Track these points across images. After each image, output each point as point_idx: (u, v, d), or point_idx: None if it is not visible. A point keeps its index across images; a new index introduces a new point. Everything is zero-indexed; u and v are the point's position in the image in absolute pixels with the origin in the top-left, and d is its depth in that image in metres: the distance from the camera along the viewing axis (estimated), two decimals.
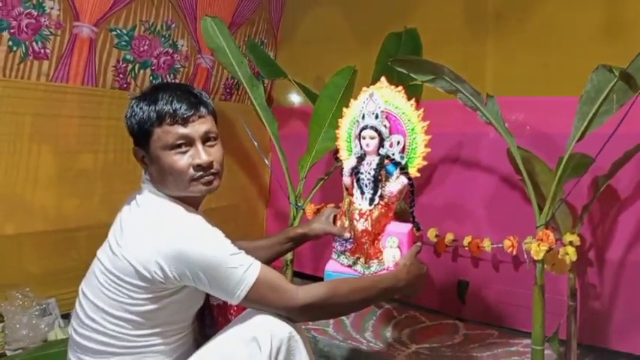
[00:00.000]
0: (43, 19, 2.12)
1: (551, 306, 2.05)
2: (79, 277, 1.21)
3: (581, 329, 2.15)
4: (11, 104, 2.07)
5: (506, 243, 1.93)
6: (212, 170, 1.15)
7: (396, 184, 1.36)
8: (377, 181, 1.36)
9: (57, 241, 2.23)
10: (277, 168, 2.50)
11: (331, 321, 2.33)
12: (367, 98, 1.40)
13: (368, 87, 1.47)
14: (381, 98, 1.39)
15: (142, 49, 2.48)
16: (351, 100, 1.51)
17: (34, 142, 2.15)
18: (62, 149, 2.24)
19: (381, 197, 1.36)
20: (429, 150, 1.40)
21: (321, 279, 1.32)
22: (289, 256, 2.27)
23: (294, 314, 1.12)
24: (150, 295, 1.07)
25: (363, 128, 1.39)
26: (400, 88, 1.43)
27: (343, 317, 2.39)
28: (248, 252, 1.13)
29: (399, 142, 1.38)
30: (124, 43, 2.41)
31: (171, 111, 1.10)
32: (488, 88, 2.38)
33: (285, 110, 3.08)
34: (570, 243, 1.92)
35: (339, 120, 1.52)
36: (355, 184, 1.40)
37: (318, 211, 1.68)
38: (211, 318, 1.25)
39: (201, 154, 1.13)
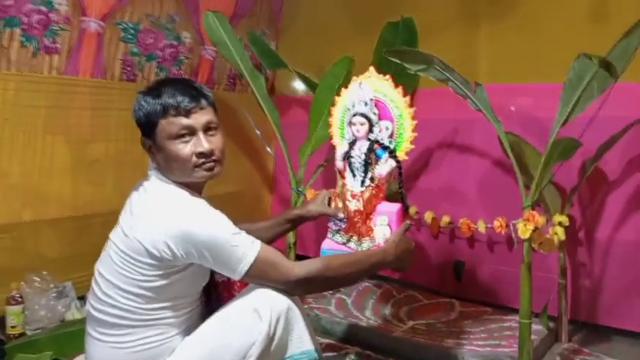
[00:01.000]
0: (53, 15, 2.22)
1: (543, 284, 2.16)
2: (94, 261, 1.32)
3: (573, 306, 2.25)
4: (26, 97, 2.17)
5: (496, 223, 2.03)
6: (213, 157, 1.26)
7: (385, 166, 1.45)
8: (367, 165, 1.46)
9: (72, 227, 2.35)
10: (280, 155, 2.60)
11: (333, 300, 2.45)
12: (357, 87, 1.50)
13: (358, 76, 1.56)
14: (370, 87, 1.48)
15: (147, 42, 2.58)
16: (343, 89, 1.60)
17: (49, 133, 2.26)
18: (75, 139, 2.35)
19: (372, 179, 1.46)
20: (415, 134, 1.48)
21: None
22: (292, 239, 2.39)
23: (292, 287, 1.23)
24: (160, 272, 1.18)
25: (354, 115, 1.48)
26: (388, 76, 1.51)
27: (345, 297, 2.51)
28: (249, 232, 1.24)
29: (387, 128, 1.47)
30: (130, 36, 2.50)
31: (174, 103, 1.21)
32: (482, 74, 2.48)
33: (287, 99, 3.17)
34: (559, 223, 2.01)
35: (332, 108, 1.61)
36: (347, 167, 1.50)
37: (320, 192, 1.78)
38: (217, 293, 1.37)
39: (203, 143, 1.23)
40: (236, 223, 1.24)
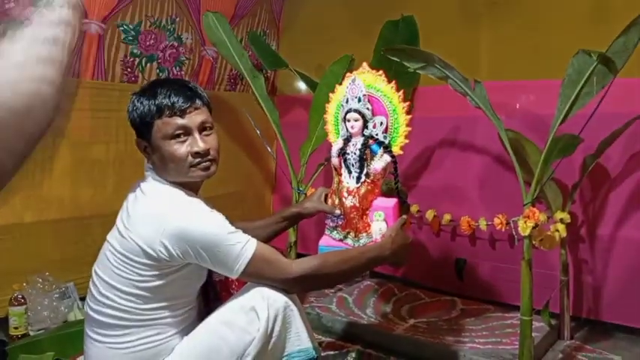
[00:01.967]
0: None
1: (545, 281, 2.16)
2: (95, 262, 1.33)
3: (575, 303, 2.24)
4: None
5: (496, 221, 2.02)
6: (209, 157, 1.26)
7: (380, 162, 1.45)
8: (362, 160, 1.46)
9: (73, 228, 2.36)
10: (281, 155, 2.60)
11: (334, 298, 2.45)
12: (350, 83, 1.50)
13: (352, 72, 1.56)
14: (363, 82, 1.48)
15: (148, 43, 2.58)
16: (337, 85, 1.60)
17: (49, 134, 2.27)
18: (76, 141, 2.36)
19: (367, 175, 1.46)
20: (410, 129, 1.48)
21: None
22: (292, 237, 2.39)
23: (289, 285, 1.23)
24: (156, 272, 1.18)
25: (348, 111, 1.48)
26: (381, 72, 1.51)
27: (346, 295, 2.50)
28: (247, 231, 1.24)
29: (381, 123, 1.47)
30: (130, 38, 2.51)
31: (169, 104, 1.21)
32: (483, 71, 2.47)
33: (288, 98, 3.17)
34: (561, 220, 2.01)
35: (327, 105, 1.61)
36: (343, 164, 1.50)
37: (316, 189, 1.78)
38: (215, 293, 1.37)
39: (199, 143, 1.23)
40: (232, 222, 1.24)
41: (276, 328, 1.21)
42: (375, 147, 1.47)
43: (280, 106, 2.83)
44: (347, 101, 1.49)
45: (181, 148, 1.23)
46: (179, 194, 1.24)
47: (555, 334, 2.14)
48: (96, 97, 2.42)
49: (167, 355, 1.23)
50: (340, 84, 1.60)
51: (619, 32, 1.54)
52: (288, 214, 1.61)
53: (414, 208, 2.56)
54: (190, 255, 1.17)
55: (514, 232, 1.78)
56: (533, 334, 1.85)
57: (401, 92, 1.48)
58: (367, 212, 1.45)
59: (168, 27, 2.65)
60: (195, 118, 1.24)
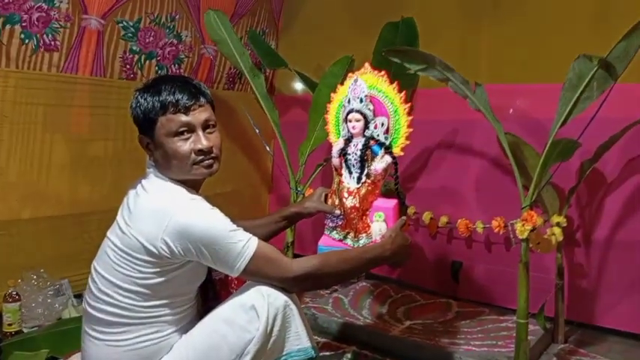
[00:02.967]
0: (53, 13, 2.22)
1: (540, 284, 2.16)
2: (91, 259, 1.31)
3: (570, 306, 2.25)
4: (25, 95, 2.17)
5: (494, 223, 2.04)
6: (212, 155, 1.26)
7: (381, 162, 1.45)
8: (363, 161, 1.46)
9: (70, 225, 2.35)
10: (279, 154, 2.60)
11: (330, 299, 2.45)
12: (352, 83, 1.50)
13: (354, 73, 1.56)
14: (365, 83, 1.48)
15: (147, 40, 2.58)
16: (339, 85, 1.60)
17: (47, 131, 2.26)
18: (74, 138, 2.35)
19: (368, 176, 1.46)
20: (411, 130, 1.47)
21: None
22: (290, 238, 2.39)
23: (289, 284, 1.23)
24: (157, 269, 1.18)
25: (349, 112, 1.49)
26: (383, 72, 1.51)
27: (342, 297, 2.51)
28: (247, 230, 1.24)
29: (383, 124, 1.47)
30: (130, 34, 2.50)
31: (174, 101, 1.21)
32: (484, 74, 2.48)
33: (286, 98, 3.17)
34: (557, 224, 2.02)
35: (328, 105, 1.61)
36: (343, 164, 1.50)
37: (316, 189, 1.77)
38: (214, 291, 1.36)
39: (202, 140, 1.23)
40: (234, 220, 1.24)
41: (276, 327, 1.20)
42: (376, 148, 1.47)
43: (279, 106, 2.82)
44: (349, 101, 1.50)
45: (185, 146, 1.22)
46: (181, 191, 1.23)
47: (549, 337, 2.15)
48: (94, 94, 2.42)
49: (166, 353, 1.22)
50: (341, 84, 1.60)
51: (620, 37, 1.55)
52: (288, 214, 1.60)
53: (410, 210, 2.56)
54: (192, 252, 1.17)
55: (512, 235, 1.78)
56: (530, 338, 1.86)
57: (403, 93, 1.48)
58: (367, 213, 1.45)
59: (168, 24, 2.64)
60: (199, 115, 1.24)
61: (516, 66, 2.41)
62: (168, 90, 1.22)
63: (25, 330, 2.07)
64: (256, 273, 1.21)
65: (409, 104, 1.48)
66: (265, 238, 1.46)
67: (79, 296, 2.28)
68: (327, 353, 2.00)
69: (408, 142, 1.47)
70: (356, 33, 2.90)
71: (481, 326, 2.19)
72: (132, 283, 1.19)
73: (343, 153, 1.50)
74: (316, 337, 2.10)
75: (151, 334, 1.21)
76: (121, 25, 2.45)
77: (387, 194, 1.50)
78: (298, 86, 3.16)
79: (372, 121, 1.48)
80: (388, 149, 1.46)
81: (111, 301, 1.20)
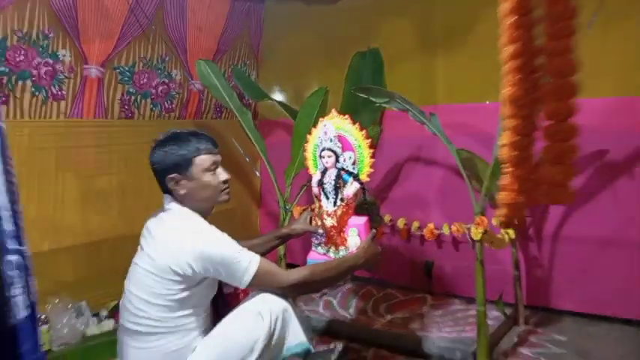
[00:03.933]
0: (58, 66, 2.50)
1: (500, 276, 2.51)
2: (104, 281, 1.62)
3: (529, 293, 2.60)
4: (38, 141, 2.46)
5: (453, 228, 2.38)
6: (228, 184, 1.66)
7: (351, 188, 1.80)
8: (337, 188, 1.81)
9: (84, 253, 2.63)
10: (266, 176, 2.91)
11: (321, 302, 2.77)
12: (323, 127, 1.84)
13: (324, 117, 1.89)
14: (333, 126, 1.82)
15: (142, 81, 2.87)
16: (313, 128, 1.93)
17: (60, 170, 2.54)
18: (83, 174, 2.63)
19: (342, 200, 1.80)
20: (373, 160, 1.80)
21: None
22: (282, 251, 2.71)
23: (286, 291, 1.56)
24: (182, 286, 1.49)
25: (322, 150, 1.84)
26: (347, 116, 1.84)
27: (331, 299, 2.83)
28: (249, 249, 1.56)
29: (350, 157, 1.81)
30: (126, 78, 2.80)
31: (206, 146, 1.60)
32: (440, 95, 2.83)
33: (270, 122, 3.49)
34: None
35: (305, 145, 1.94)
36: (322, 192, 1.84)
37: (302, 213, 2.10)
38: (223, 301, 1.68)
39: (224, 174, 1.65)
40: (238, 242, 1.56)
41: (277, 327, 1.52)
42: (346, 177, 1.81)
43: (263, 130, 3.14)
44: (321, 142, 1.84)
45: (215, 178, 1.61)
46: (199, 220, 1.56)
47: (512, 321, 2.50)
48: (98, 134, 2.70)
49: (190, 353, 1.53)
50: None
51: None
52: (280, 234, 1.94)
53: (386, 218, 2.90)
54: (209, 271, 1.49)
55: (469, 237, 2.12)
56: (492, 323, 2.21)
57: (364, 131, 1.82)
58: (344, 230, 1.79)
59: (159, 66, 2.94)
60: (218, 156, 1.65)
61: (467, 88, 2.75)
62: (197, 139, 1.60)
63: (54, 349, 2.34)
64: (259, 284, 1.53)
65: (370, 139, 1.82)
66: (262, 254, 1.78)
67: (96, 315, 2.56)
68: (320, 347, 2.32)
69: (372, 170, 1.80)
70: (328, 62, 3.23)
71: (452, 315, 2.53)
72: (162, 299, 1.49)
73: (320, 183, 1.84)
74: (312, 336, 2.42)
75: (179, 339, 1.52)
76: (117, 70, 2.74)
77: (361, 212, 1.83)
78: (279, 112, 3.47)
79: (342, 156, 1.81)
80: (356, 177, 1.80)
81: (146, 315, 1.50)
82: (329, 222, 1.80)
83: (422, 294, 2.86)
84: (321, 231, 1.82)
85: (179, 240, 1.49)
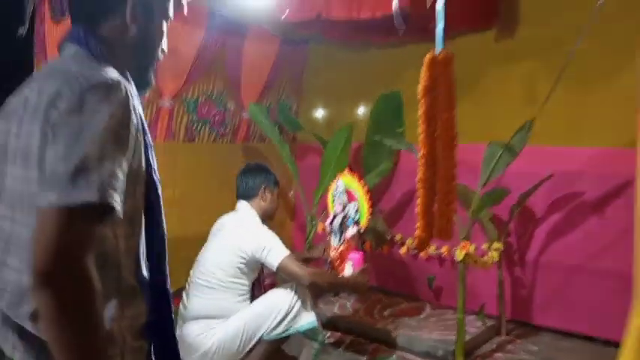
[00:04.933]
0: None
1: (486, 292, 2.99)
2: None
3: (513, 309, 3.07)
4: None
5: (443, 249, 2.89)
6: None
7: (351, 231, 2.43)
8: (342, 230, 2.44)
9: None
10: (299, 194, 3.51)
11: (337, 304, 3.32)
12: (337, 182, 2.51)
13: (340, 174, 2.56)
14: (343, 182, 2.48)
15: (203, 111, 3.53)
16: (338, 174, 2.54)
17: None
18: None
19: (345, 239, 2.44)
20: (371, 210, 2.43)
21: None
22: None
23: (304, 284, 2.22)
24: (242, 260, 2.23)
25: (335, 198, 2.49)
26: (356, 175, 2.47)
27: (346, 302, 3.38)
28: None
29: (354, 206, 2.43)
30: (191, 108, 3.45)
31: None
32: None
33: (306, 147, 4.08)
34: (496, 249, 2.84)
35: (328, 193, 2.58)
36: (331, 230, 2.49)
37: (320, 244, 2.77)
38: (259, 287, 2.39)
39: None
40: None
41: (295, 308, 2.19)
42: (349, 221, 2.44)
43: (299, 152, 3.74)
44: (336, 193, 2.49)
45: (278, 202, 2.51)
46: (263, 225, 2.32)
47: (494, 331, 2.97)
48: (165, 155, 3.34)
49: (234, 314, 2.20)
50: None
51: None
52: (303, 257, 2.63)
53: (398, 237, 3.42)
54: (258, 252, 2.20)
55: (455, 258, 2.63)
56: (476, 330, 2.72)
57: (366, 187, 2.44)
58: (344, 261, 2.44)
59: (218, 98, 3.59)
60: None
61: (467, 129, 3.22)
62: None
63: None
64: (284, 272, 2.21)
65: (369, 193, 2.43)
66: None
67: None
68: (333, 340, 2.87)
69: (370, 217, 2.43)
70: (357, 100, 3.81)
71: (443, 322, 3.03)
72: (227, 266, 2.21)
73: (331, 223, 2.48)
74: (327, 331, 2.97)
75: (230, 298, 2.23)
76: (185, 102, 3.40)
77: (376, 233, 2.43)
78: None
79: (348, 205, 2.44)
80: (357, 222, 2.41)
81: (214, 275, 2.22)
82: (333, 254, 2.49)
83: (423, 303, 3.36)
84: (328, 259, 2.49)
85: (247, 230, 2.26)
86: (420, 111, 1.53)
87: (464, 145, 3.27)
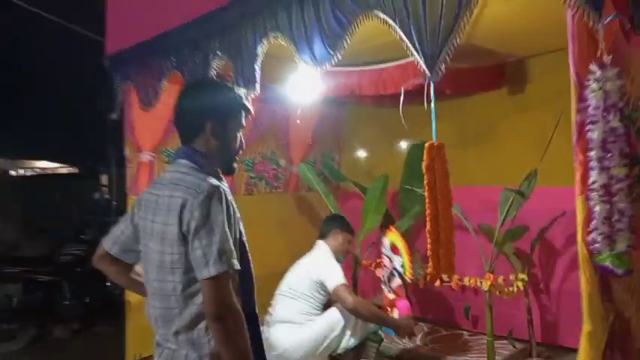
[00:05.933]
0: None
1: (516, 318, 3.36)
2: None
3: (543, 332, 3.40)
4: None
5: (471, 280, 3.29)
6: None
7: (396, 282, 2.90)
8: (389, 280, 2.92)
9: None
10: None
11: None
12: (383, 238, 3.02)
13: (388, 231, 3.03)
14: (388, 239, 2.97)
15: (259, 169, 4.12)
16: (386, 229, 3.03)
17: None
18: None
19: (391, 290, 2.92)
20: (411, 264, 2.86)
21: None
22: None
23: (349, 309, 2.72)
24: (316, 287, 2.83)
25: (384, 255, 3.00)
26: (399, 233, 2.95)
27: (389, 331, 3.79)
28: None
29: (399, 260, 2.89)
30: (249, 167, 4.06)
31: None
32: (468, 178, 3.77)
33: (349, 194, 4.59)
34: (522, 279, 3.22)
35: (381, 247, 3.08)
36: (383, 281, 2.99)
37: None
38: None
39: None
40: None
41: (348, 329, 2.75)
42: (396, 273, 2.91)
43: (343, 198, 4.24)
44: (384, 249, 2.99)
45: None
46: (333, 258, 2.94)
47: (526, 354, 3.31)
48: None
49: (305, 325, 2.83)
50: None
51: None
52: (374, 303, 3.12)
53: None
54: (324, 280, 2.80)
55: (480, 287, 3.03)
56: (508, 353, 3.09)
57: (404, 243, 2.90)
58: (393, 307, 2.92)
59: (271, 157, 4.19)
60: None
61: (486, 174, 3.68)
62: None
63: None
64: (336, 295, 2.74)
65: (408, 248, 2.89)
66: None
67: None
68: None
69: (411, 271, 2.86)
70: (392, 151, 4.31)
71: (478, 347, 3.40)
72: (307, 285, 2.87)
73: (383, 276, 3.00)
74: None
75: (307, 309, 2.86)
76: (244, 163, 4.01)
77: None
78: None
79: (393, 259, 2.92)
80: (400, 275, 2.88)
81: (296, 290, 2.90)
82: (386, 301, 3.01)
83: (461, 331, 3.74)
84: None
85: (318, 259, 2.92)
86: (425, 181, 2.01)
87: (485, 187, 3.77)
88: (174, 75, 2.86)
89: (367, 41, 1.98)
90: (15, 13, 6.47)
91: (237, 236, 1.53)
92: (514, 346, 3.25)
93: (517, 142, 3.57)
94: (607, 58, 1.43)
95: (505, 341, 3.33)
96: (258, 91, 2.37)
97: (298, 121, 3.99)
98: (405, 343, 3.40)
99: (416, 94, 3.09)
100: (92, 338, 4.94)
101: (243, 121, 1.72)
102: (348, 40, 2.03)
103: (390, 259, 2.92)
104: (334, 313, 2.83)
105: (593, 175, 1.45)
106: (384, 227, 3.28)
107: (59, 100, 8.25)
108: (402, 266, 2.85)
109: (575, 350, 3.34)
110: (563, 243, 3.37)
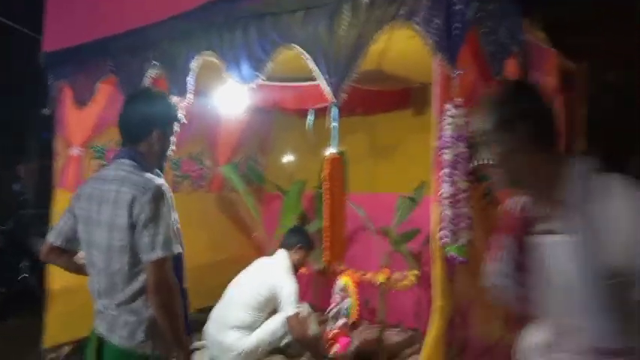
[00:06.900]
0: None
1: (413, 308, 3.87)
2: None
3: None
4: None
5: (368, 275, 3.79)
6: None
7: (342, 320, 3.35)
8: (336, 318, 3.37)
9: None
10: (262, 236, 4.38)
11: None
12: (338, 280, 3.43)
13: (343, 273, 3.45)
14: (342, 282, 3.42)
15: (185, 168, 4.39)
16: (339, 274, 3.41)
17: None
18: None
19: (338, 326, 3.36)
20: (358, 308, 3.31)
21: None
22: None
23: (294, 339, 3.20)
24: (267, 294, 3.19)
25: (335, 292, 3.44)
26: (354, 274, 3.36)
27: None
28: None
29: (347, 302, 3.35)
30: (175, 166, 4.32)
31: None
32: (379, 185, 4.29)
33: (272, 195, 4.96)
34: (414, 274, 3.74)
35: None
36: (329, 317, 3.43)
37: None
38: None
39: None
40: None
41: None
42: (343, 313, 3.36)
43: (266, 199, 4.60)
44: (337, 289, 3.44)
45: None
46: (291, 271, 3.28)
47: (416, 340, 3.83)
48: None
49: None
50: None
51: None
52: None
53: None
54: (277, 293, 3.19)
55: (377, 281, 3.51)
56: (398, 339, 3.57)
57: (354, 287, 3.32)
58: (335, 342, 3.36)
59: (197, 157, 4.47)
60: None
61: (392, 183, 4.20)
62: None
63: None
64: (288, 326, 3.15)
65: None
66: None
67: None
68: None
69: (357, 313, 3.30)
70: (312, 158, 4.72)
71: (370, 333, 3.88)
72: (261, 294, 3.18)
73: (329, 312, 3.43)
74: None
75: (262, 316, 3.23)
76: (171, 162, 4.26)
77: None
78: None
79: (343, 301, 3.36)
80: (346, 316, 3.31)
81: (252, 298, 3.21)
82: (328, 335, 3.43)
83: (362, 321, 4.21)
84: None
85: (284, 284, 3.19)
86: (325, 187, 2.42)
87: (388, 193, 4.28)
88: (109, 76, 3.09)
89: (290, 62, 2.35)
90: None
91: (174, 225, 1.85)
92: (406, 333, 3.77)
93: (419, 157, 4.09)
94: (459, 101, 1.91)
95: (398, 329, 3.82)
96: (192, 100, 2.69)
97: (226, 126, 4.34)
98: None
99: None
100: (6, 331, 4.93)
101: (177, 128, 2.04)
102: (271, 64, 2.41)
103: (340, 299, 3.36)
104: (279, 320, 3.21)
105: (445, 187, 1.92)
106: (341, 271, 3.69)
107: None
108: (348, 308, 3.32)
109: None
110: None
